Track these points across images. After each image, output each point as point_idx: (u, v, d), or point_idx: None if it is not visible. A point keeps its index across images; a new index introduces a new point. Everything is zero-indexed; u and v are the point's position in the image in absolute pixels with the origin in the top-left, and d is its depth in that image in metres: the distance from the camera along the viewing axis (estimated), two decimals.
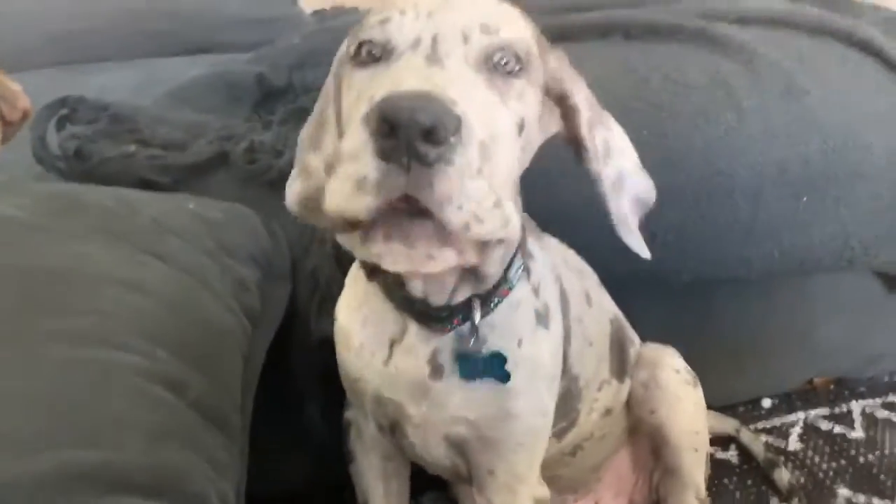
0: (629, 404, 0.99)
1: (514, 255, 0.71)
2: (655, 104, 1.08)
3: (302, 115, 1.14)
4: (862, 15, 1.27)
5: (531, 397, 0.74)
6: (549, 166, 0.97)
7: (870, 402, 1.40)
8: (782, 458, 1.25)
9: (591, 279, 0.92)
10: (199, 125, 1.08)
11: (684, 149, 1.06)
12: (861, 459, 1.27)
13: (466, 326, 0.70)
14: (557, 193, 1.04)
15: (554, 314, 0.77)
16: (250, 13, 1.64)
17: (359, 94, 0.58)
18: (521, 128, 0.60)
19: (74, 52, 1.58)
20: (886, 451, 1.28)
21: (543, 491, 0.82)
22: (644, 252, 0.68)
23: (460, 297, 0.70)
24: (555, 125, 0.68)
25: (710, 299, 1.21)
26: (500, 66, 0.58)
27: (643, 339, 1.03)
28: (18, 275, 0.68)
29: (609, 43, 1.22)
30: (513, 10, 0.63)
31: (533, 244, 0.76)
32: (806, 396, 1.40)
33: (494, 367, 0.71)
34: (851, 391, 1.41)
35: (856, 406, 1.38)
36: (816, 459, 1.27)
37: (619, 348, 0.95)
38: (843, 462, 1.26)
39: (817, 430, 1.33)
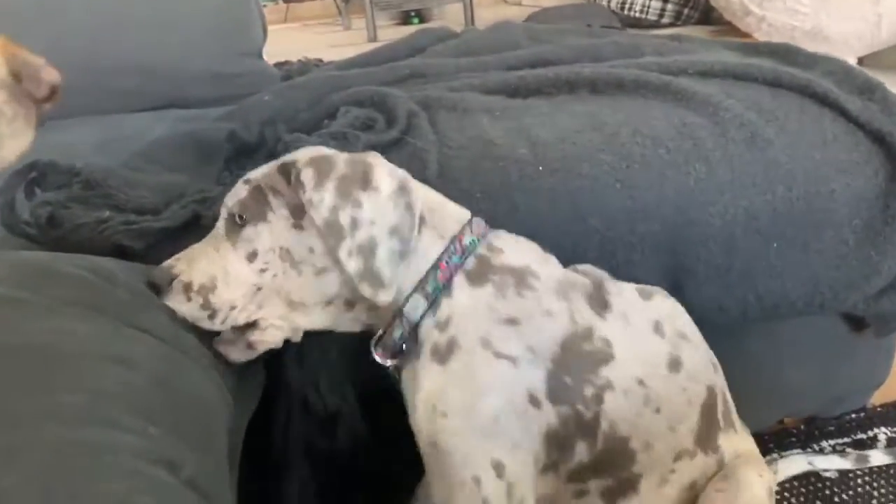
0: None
1: (412, 293, 0.86)
2: (625, 157, 1.11)
3: None
4: (815, 66, 1.32)
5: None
6: (523, 224, 0.99)
7: (839, 440, 1.42)
8: None
9: (693, 347, 0.95)
10: (173, 187, 1.06)
11: (656, 199, 1.09)
12: (836, 499, 1.28)
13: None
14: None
15: (466, 352, 0.82)
16: (215, 68, 1.63)
17: None
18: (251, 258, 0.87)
19: None
20: (859, 490, 1.30)
21: None
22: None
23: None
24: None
25: None
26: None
27: None
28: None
29: (577, 97, 1.25)
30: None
31: (461, 285, 0.86)
32: (778, 438, 1.42)
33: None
34: (821, 430, 1.44)
35: (826, 445, 1.41)
36: (793, 501, 1.29)
37: (710, 421, 0.95)
38: (818, 503, 1.28)
39: None
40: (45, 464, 0.55)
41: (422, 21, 5.91)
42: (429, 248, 0.87)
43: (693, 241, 1.07)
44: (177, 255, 0.89)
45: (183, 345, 0.80)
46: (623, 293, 0.93)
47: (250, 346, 0.87)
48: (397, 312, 0.87)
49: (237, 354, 0.87)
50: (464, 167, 1.08)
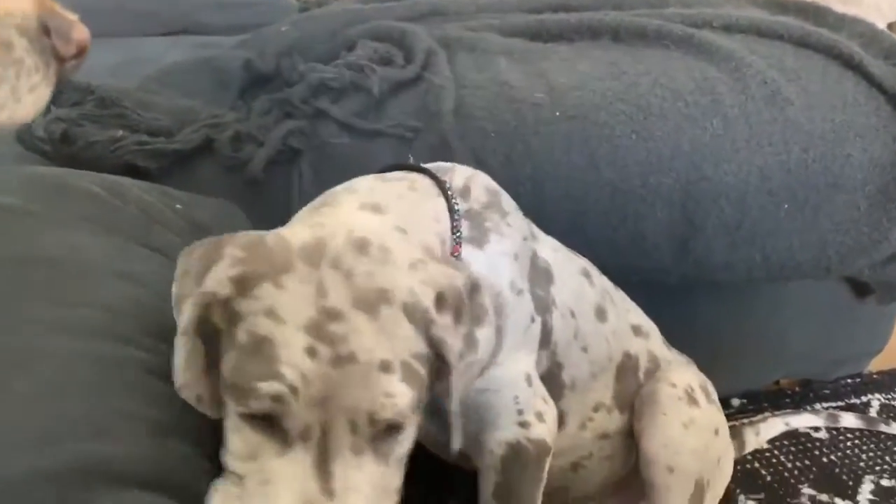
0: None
1: None
2: (643, 107, 1.10)
3: (284, 105, 1.13)
4: (842, 27, 1.30)
5: None
6: (537, 169, 0.98)
7: (833, 404, 1.44)
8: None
9: (621, 311, 0.97)
10: (186, 111, 1.06)
11: (671, 152, 1.08)
12: (824, 459, 1.31)
13: None
14: (547, 193, 1.06)
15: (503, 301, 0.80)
16: None
17: (252, 452, 0.58)
18: (402, 460, 0.63)
19: None
20: (848, 452, 1.32)
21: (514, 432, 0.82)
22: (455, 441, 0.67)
23: None
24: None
25: (689, 302, 1.23)
26: (387, 434, 0.59)
27: None
28: (10, 263, 0.66)
29: (598, 45, 1.23)
30: (404, 336, 0.59)
31: (472, 254, 0.78)
32: (773, 397, 1.44)
33: None
34: (816, 393, 1.46)
35: (820, 408, 1.42)
36: (782, 458, 1.31)
37: (627, 383, 0.97)
38: (807, 462, 1.30)
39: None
40: (57, 373, 0.56)
41: None
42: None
43: (704, 197, 1.07)
44: None
45: None
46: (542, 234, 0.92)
47: None
48: None
49: None
50: (480, 106, 1.07)
